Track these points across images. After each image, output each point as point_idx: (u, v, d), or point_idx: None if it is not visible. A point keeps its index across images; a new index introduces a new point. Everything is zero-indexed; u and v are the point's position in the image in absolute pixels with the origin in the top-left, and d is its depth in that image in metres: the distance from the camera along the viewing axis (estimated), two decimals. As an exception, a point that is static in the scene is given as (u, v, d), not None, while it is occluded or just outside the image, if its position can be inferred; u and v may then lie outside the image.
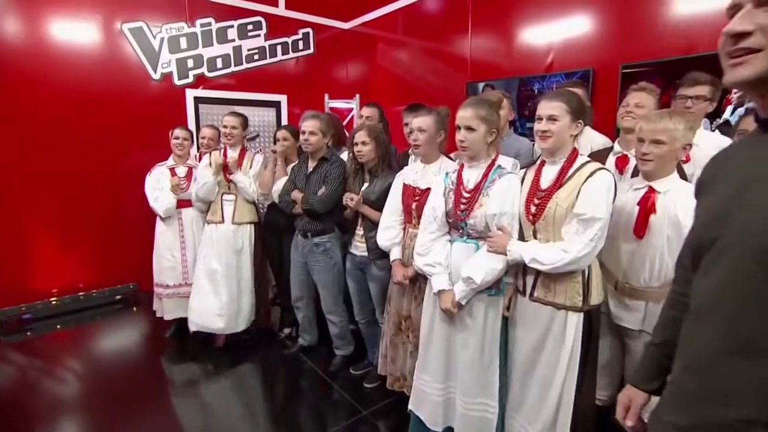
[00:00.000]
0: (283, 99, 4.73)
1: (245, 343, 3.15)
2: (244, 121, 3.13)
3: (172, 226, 3.22)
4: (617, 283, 1.69)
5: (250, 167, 3.08)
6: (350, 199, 2.39)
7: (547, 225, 1.57)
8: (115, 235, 3.94)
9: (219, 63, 4.33)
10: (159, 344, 3.21)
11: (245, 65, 4.46)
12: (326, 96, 4.57)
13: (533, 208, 1.59)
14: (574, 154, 1.59)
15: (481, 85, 3.66)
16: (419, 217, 2.06)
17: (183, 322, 3.20)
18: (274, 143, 3.57)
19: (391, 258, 2.18)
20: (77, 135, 3.72)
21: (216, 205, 3.07)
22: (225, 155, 3.03)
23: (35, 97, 3.51)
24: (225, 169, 3.03)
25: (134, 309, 3.88)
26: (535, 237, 1.61)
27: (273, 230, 3.12)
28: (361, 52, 4.95)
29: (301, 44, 4.77)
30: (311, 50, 4.83)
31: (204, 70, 4.25)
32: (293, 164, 2.89)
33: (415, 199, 2.09)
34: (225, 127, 3.07)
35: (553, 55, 3.13)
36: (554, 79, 3.09)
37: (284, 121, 4.72)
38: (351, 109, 4.71)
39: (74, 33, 3.64)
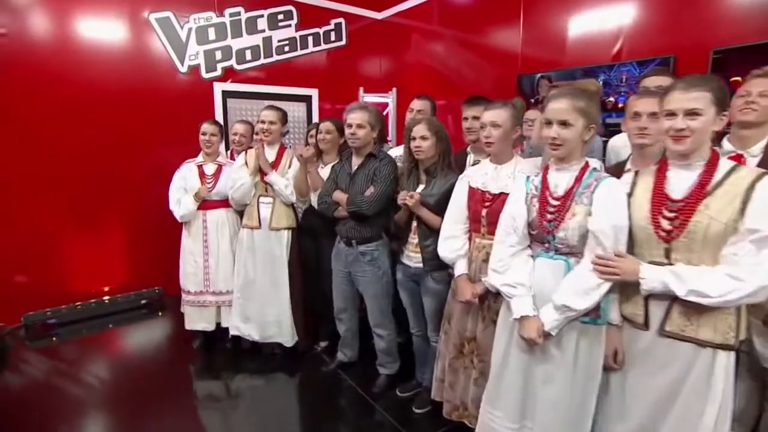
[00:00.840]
0: (314, 93, 4.48)
1: (279, 356, 2.91)
2: (284, 117, 2.88)
3: (196, 230, 2.99)
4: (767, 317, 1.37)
5: (289, 167, 2.82)
6: (409, 197, 2.09)
7: (693, 244, 1.26)
8: (140, 236, 3.75)
9: (248, 55, 4.10)
10: (186, 354, 3.00)
11: (275, 57, 4.22)
12: (361, 90, 4.29)
13: (666, 223, 1.28)
14: (716, 155, 1.28)
15: (536, 77, 3.35)
16: (489, 225, 1.77)
17: (209, 333, 2.99)
18: (306, 141, 3.36)
19: (456, 272, 1.90)
20: (102, 133, 3.54)
21: (252, 209, 2.83)
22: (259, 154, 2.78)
23: (60, 96, 3.34)
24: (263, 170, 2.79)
25: (159, 314, 3.69)
26: (667, 258, 1.31)
27: (310, 235, 2.87)
28: (395, 44, 4.66)
29: (333, 35, 4.51)
30: (343, 41, 4.56)
31: (233, 62, 4.03)
32: (334, 163, 2.62)
33: (485, 205, 1.80)
34: (262, 122, 2.83)
35: (623, 40, 2.79)
36: (624, 68, 2.76)
37: (314, 118, 4.47)
38: (386, 104, 4.43)
39: (100, 26, 3.45)
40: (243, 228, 2.88)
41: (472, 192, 1.86)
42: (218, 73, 3.98)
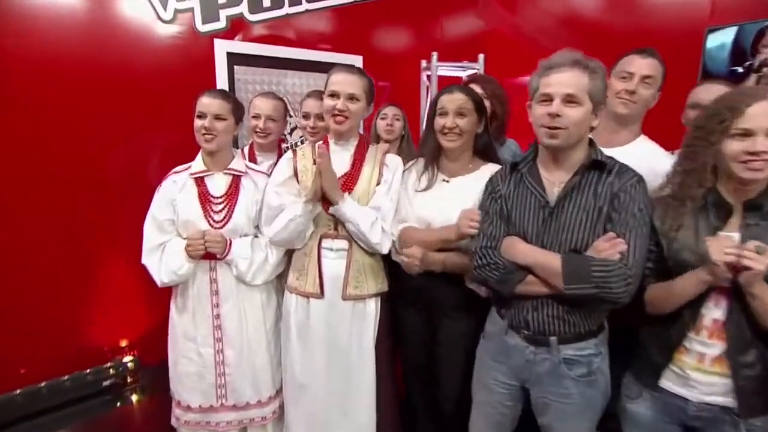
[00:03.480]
0: (357, 61, 3.11)
1: None
2: (370, 91, 1.65)
3: (197, 298, 1.68)
4: None
5: (377, 184, 1.53)
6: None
7: None
8: (96, 278, 2.39)
9: (266, 0, 2.71)
10: None
11: (304, 4, 2.83)
12: (434, 56, 2.92)
13: None
14: None
15: (730, 32, 2.05)
16: None
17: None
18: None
19: None
20: (27, 122, 2.15)
21: (307, 261, 1.60)
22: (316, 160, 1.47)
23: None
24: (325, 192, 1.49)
25: (134, 399, 2.36)
26: None
27: (416, 303, 1.60)
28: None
29: (384, -23, 3.13)
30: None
31: (243, 8, 2.64)
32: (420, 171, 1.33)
33: None
34: (306, 116, 1.89)
35: None
36: None
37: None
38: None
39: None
40: (291, 293, 1.62)
41: None
42: (221, 24, 2.59)
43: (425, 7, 3.29)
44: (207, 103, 1.62)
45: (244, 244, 1.65)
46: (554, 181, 1.30)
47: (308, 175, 1.59)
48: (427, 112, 1.67)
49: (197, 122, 1.63)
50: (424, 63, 3.12)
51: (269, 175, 1.73)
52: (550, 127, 1.21)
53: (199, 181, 1.68)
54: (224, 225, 1.64)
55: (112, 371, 2.40)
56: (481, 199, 1.46)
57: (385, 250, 1.57)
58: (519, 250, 1.28)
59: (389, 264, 1.68)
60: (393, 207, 1.59)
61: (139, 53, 2.36)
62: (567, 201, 1.26)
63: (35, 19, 2.11)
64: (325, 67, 2.95)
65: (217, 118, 1.62)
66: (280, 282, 1.78)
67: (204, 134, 1.61)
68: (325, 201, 1.55)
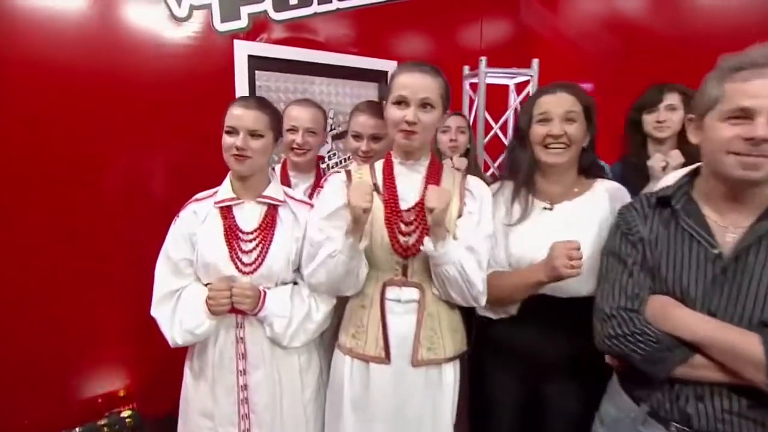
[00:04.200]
0: (391, 67, 2.77)
1: None
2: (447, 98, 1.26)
3: (218, 362, 1.32)
4: None
5: (458, 216, 1.21)
6: None
7: None
8: (86, 313, 2.01)
9: (292, -3, 2.38)
10: None
11: (335, 3, 2.50)
12: (482, 61, 2.57)
13: None
14: None
15: None
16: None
17: None
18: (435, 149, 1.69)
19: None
20: (27, 132, 1.80)
21: (367, 315, 1.27)
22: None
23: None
24: (392, 219, 1.18)
25: (134, 465, 1.98)
26: None
27: (510, 366, 1.28)
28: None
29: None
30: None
31: (267, 6, 2.30)
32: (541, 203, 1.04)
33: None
34: (357, 136, 1.55)
35: None
36: None
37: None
38: (523, 85, 2.72)
39: None
40: (344, 355, 1.27)
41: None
42: (242, 24, 2.25)
43: (466, 8, 2.96)
44: (239, 115, 1.27)
45: (282, 296, 1.29)
46: (727, 224, 0.94)
47: (359, 197, 1.24)
48: (514, 122, 1.32)
49: (227, 139, 1.27)
50: (466, 69, 2.78)
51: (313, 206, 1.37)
52: (750, 155, 0.86)
53: (226, 212, 1.32)
54: (256, 269, 1.28)
55: (107, 429, 2.01)
56: (608, 240, 1.10)
57: (484, 301, 1.21)
58: (683, 319, 0.92)
59: (467, 313, 1.33)
60: (489, 246, 1.23)
61: (148, 55, 2.02)
62: (751, 254, 0.90)
63: (26, 15, 1.76)
64: (356, 74, 2.64)
65: (253, 134, 1.27)
66: (321, 336, 1.41)
67: (235, 155, 1.26)
68: (393, 237, 1.20)
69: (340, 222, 1.23)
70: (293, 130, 1.58)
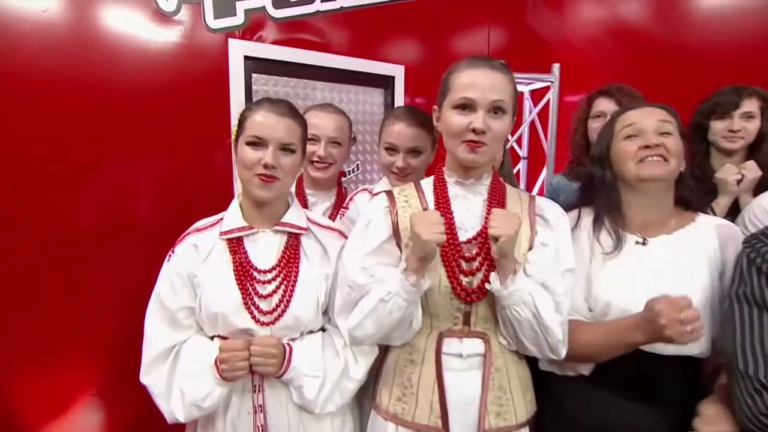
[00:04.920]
0: (398, 72, 2.55)
1: None
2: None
3: (228, 430, 1.03)
4: None
5: (529, 248, 1.00)
6: None
7: None
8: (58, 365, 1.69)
9: (293, -9, 2.13)
10: None
11: (339, 2, 2.26)
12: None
13: None
14: None
15: None
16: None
17: None
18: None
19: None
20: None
21: (417, 374, 1.02)
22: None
23: None
24: (451, 255, 0.96)
25: None
26: None
27: None
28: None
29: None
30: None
31: (265, 1, 2.05)
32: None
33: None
34: (391, 148, 1.32)
35: None
36: None
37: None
38: (543, 91, 2.53)
39: None
40: (385, 420, 1.02)
41: None
42: (238, 21, 1.99)
43: (478, 11, 2.76)
44: (270, 124, 1.03)
45: (312, 350, 1.04)
46: None
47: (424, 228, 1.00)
48: (600, 135, 1.10)
49: (250, 154, 1.03)
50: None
51: (342, 233, 1.12)
52: None
53: (236, 246, 1.05)
54: (278, 319, 1.02)
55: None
56: (740, 281, 0.88)
57: (564, 352, 0.97)
58: None
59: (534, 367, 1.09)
60: (569, 284, 1.00)
61: (130, 55, 1.74)
62: None
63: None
64: (361, 79, 2.40)
65: (285, 148, 1.04)
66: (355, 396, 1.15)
67: (262, 174, 1.01)
68: (453, 278, 0.96)
69: (387, 258, 0.99)
70: (314, 140, 1.33)
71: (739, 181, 1.37)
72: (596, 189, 1.09)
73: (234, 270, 1.03)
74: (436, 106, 1.07)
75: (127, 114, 1.73)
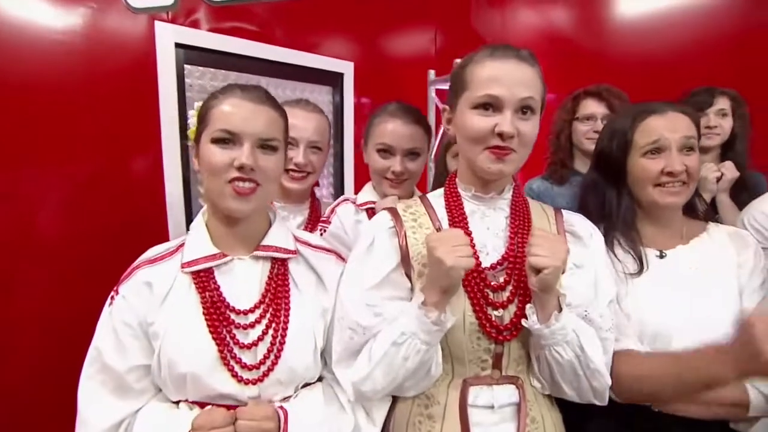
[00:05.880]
0: (347, 69, 2.36)
1: None
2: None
3: None
4: None
5: (562, 271, 0.85)
6: None
7: None
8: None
9: (231, -28, 1.85)
10: None
11: (283, -13, 2.02)
12: (431, 73, 2.22)
13: None
14: None
15: None
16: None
17: None
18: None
19: None
20: None
21: (438, 429, 0.75)
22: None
23: None
24: (476, 285, 0.81)
25: None
26: None
27: None
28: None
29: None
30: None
31: (199, -19, 1.75)
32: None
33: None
34: (385, 150, 1.14)
35: None
36: None
37: (347, 115, 2.35)
38: None
39: None
40: None
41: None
42: (166, 0, 1.66)
43: (432, 7, 2.65)
44: (243, 115, 0.79)
45: (313, 411, 0.81)
46: None
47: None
48: (607, 146, 1.00)
49: (218, 154, 0.78)
50: (431, 74, 2.47)
51: (338, 255, 0.91)
52: None
53: (205, 280, 0.80)
54: (267, 374, 0.79)
55: None
56: None
57: (607, 399, 0.84)
58: None
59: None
60: (613, 317, 0.87)
61: (25, 40, 1.36)
62: None
63: None
64: (309, 75, 2.18)
65: (265, 146, 0.80)
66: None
67: (236, 180, 0.77)
68: (480, 312, 0.79)
69: (395, 291, 0.81)
70: (291, 144, 1.09)
71: (718, 179, 1.38)
72: (607, 205, 0.99)
73: (204, 313, 0.78)
74: (446, 106, 0.90)
75: (29, 112, 1.35)
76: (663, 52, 2.19)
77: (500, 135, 0.78)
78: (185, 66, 1.77)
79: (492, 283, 0.82)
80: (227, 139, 0.78)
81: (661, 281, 0.92)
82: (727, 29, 2.06)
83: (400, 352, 0.76)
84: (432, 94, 2.47)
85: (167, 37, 1.67)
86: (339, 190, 2.37)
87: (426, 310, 0.75)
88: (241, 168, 0.75)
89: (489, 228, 0.87)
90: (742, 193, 1.36)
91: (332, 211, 1.17)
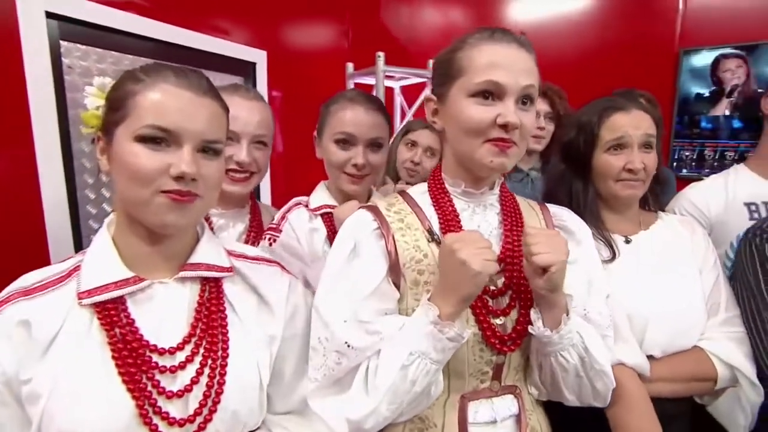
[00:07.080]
0: (260, 58, 2.16)
1: None
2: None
3: None
4: None
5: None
6: None
7: None
8: None
9: (119, -66, 1.56)
10: None
11: (184, -41, 1.77)
12: (380, 58, 2.11)
13: None
14: None
15: (709, 56, 2.05)
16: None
17: None
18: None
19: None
20: None
21: None
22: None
23: None
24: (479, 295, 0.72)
25: None
26: None
27: None
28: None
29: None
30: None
31: (78, -61, 1.44)
32: None
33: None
34: (345, 140, 1.00)
35: None
36: None
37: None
38: (417, 88, 2.41)
39: None
40: None
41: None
42: (32, -42, 1.34)
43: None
44: (179, 106, 0.62)
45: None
46: None
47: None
48: (575, 140, 1.00)
49: (149, 160, 0.60)
50: (350, 67, 2.36)
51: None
52: None
53: (113, 313, 0.61)
54: (202, 429, 0.62)
55: None
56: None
57: (608, 400, 0.81)
58: None
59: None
60: (610, 314, 0.84)
61: None
62: None
63: None
64: (216, 62, 1.97)
65: (207, 149, 0.64)
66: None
67: (173, 192, 0.60)
68: (484, 322, 0.72)
69: (384, 304, 0.70)
70: (230, 139, 0.91)
71: None
72: (575, 196, 1.00)
73: (114, 357, 0.59)
74: (431, 94, 0.81)
75: None
76: (552, 56, 2.33)
77: (504, 126, 0.70)
78: (61, 42, 1.45)
79: (491, 289, 0.75)
80: (159, 139, 0.60)
81: (631, 266, 0.95)
82: (610, 38, 2.26)
83: (408, 376, 0.66)
84: (350, 87, 2.37)
85: (34, 3, 1.35)
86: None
87: (442, 326, 0.65)
88: (179, 178, 0.59)
89: (480, 226, 0.80)
90: (656, 187, 1.49)
91: (283, 217, 1.00)
